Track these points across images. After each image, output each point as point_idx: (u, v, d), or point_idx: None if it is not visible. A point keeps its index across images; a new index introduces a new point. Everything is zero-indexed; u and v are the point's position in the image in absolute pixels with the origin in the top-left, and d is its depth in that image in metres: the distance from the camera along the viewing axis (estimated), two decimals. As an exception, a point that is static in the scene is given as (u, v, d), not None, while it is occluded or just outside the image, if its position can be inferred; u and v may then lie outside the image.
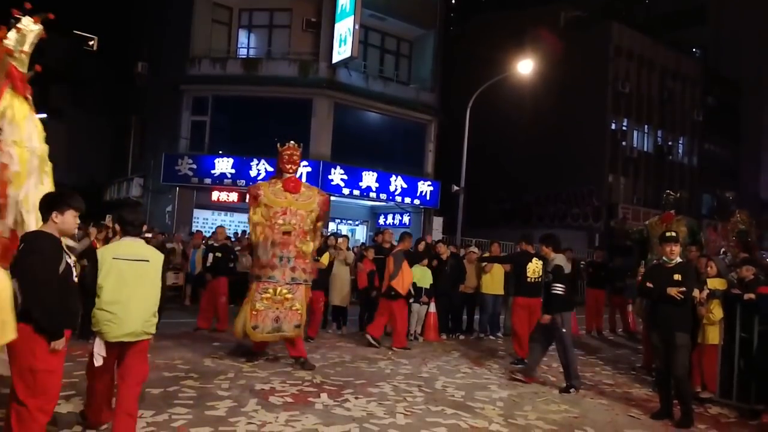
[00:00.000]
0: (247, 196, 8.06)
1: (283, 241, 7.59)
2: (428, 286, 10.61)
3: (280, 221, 7.63)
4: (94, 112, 31.81)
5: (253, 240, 7.89)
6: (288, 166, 7.90)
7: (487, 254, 11.77)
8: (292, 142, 8.05)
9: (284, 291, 7.53)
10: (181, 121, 21.03)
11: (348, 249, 11.74)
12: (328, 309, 11.01)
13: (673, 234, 6.47)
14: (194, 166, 20.28)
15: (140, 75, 23.81)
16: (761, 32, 36.85)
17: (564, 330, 7.29)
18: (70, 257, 4.00)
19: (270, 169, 19.07)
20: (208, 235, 14.94)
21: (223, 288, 10.33)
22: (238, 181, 19.94)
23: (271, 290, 7.48)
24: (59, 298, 3.79)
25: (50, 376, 3.81)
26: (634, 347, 11.33)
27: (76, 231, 7.63)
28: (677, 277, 6.07)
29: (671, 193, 10.85)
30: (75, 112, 32.57)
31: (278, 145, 8.05)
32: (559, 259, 7.47)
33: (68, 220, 3.97)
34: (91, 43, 21.98)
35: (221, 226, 11.32)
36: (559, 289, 7.24)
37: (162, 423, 4.93)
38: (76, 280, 4.06)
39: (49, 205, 3.94)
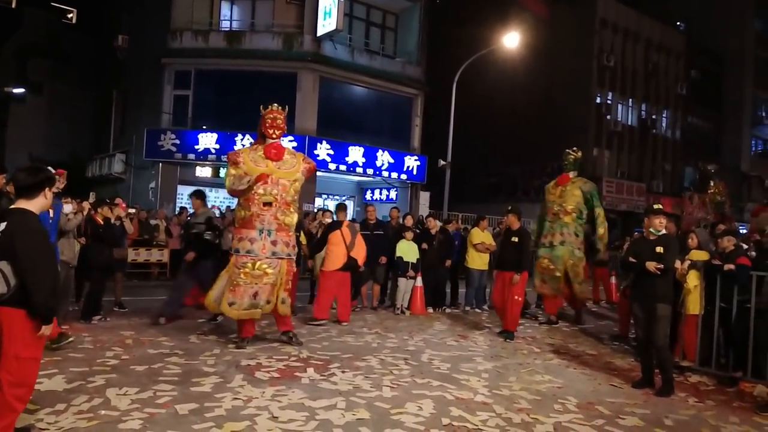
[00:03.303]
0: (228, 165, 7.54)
1: (263, 212, 7.13)
2: (415, 261, 10.66)
3: (261, 191, 7.09)
4: (75, 87, 31.37)
5: (227, 185, 7.46)
6: (271, 131, 7.40)
7: (476, 229, 11.70)
8: (275, 105, 7.56)
9: (264, 266, 7.07)
10: (163, 96, 20.76)
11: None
12: (315, 285, 11.01)
13: (661, 206, 6.50)
14: (177, 142, 20.06)
15: (121, 48, 23.42)
16: (744, 3, 36.88)
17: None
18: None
19: (255, 144, 18.93)
20: (191, 211, 14.83)
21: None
22: (222, 156, 19.75)
23: (249, 265, 7.02)
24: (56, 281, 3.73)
25: (34, 364, 3.73)
26: (617, 318, 11.45)
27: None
28: (659, 249, 6.12)
29: (571, 152, 10.68)
30: (55, 86, 32.13)
31: (261, 107, 7.58)
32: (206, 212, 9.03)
33: (50, 196, 3.91)
34: (69, 15, 21.59)
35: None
36: (209, 235, 8.59)
37: (147, 400, 4.92)
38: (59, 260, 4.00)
39: (42, 182, 3.78)
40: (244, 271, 7.04)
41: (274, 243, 7.18)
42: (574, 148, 10.77)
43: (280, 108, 7.58)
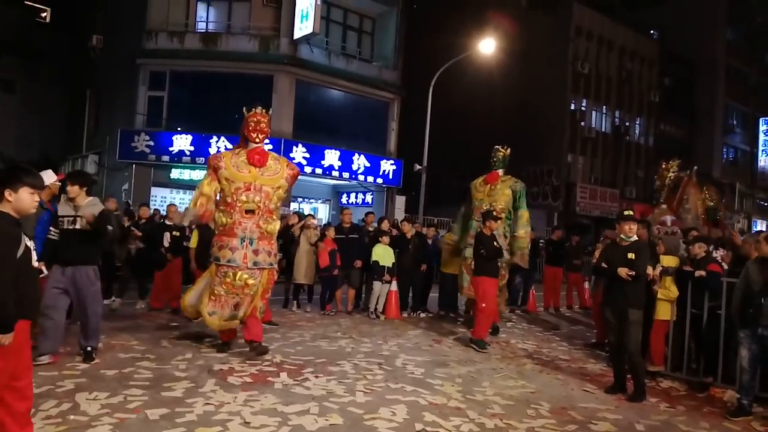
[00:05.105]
0: (208, 169, 7.21)
1: (245, 220, 6.85)
2: (390, 265, 10.66)
3: (243, 198, 6.82)
4: (48, 86, 30.78)
5: (189, 207, 7.14)
6: (254, 135, 7.05)
7: (448, 233, 11.73)
8: (259, 108, 7.20)
9: (245, 276, 6.81)
10: (138, 96, 20.52)
11: (315, 228, 11.67)
12: (290, 289, 11.01)
13: (631, 212, 6.57)
14: (151, 143, 19.85)
15: (95, 48, 23.10)
16: (716, 12, 37.61)
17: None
18: (29, 240, 3.60)
19: (230, 146, 18.79)
20: (164, 212, 14.67)
21: (179, 268, 10.16)
22: (197, 158, 19.61)
23: (231, 275, 6.77)
24: (15, 286, 3.37)
25: None
26: (590, 323, 11.55)
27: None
28: (631, 255, 6.17)
29: (500, 149, 10.32)
30: (28, 84, 31.49)
31: (244, 109, 7.25)
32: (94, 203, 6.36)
33: (24, 198, 3.53)
34: (43, 14, 21.30)
35: (173, 205, 11.05)
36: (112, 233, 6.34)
37: (117, 405, 4.84)
38: (36, 264, 3.69)
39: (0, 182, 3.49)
40: (225, 282, 6.82)
41: (255, 252, 6.89)
42: (504, 145, 10.52)
43: (264, 111, 7.28)
